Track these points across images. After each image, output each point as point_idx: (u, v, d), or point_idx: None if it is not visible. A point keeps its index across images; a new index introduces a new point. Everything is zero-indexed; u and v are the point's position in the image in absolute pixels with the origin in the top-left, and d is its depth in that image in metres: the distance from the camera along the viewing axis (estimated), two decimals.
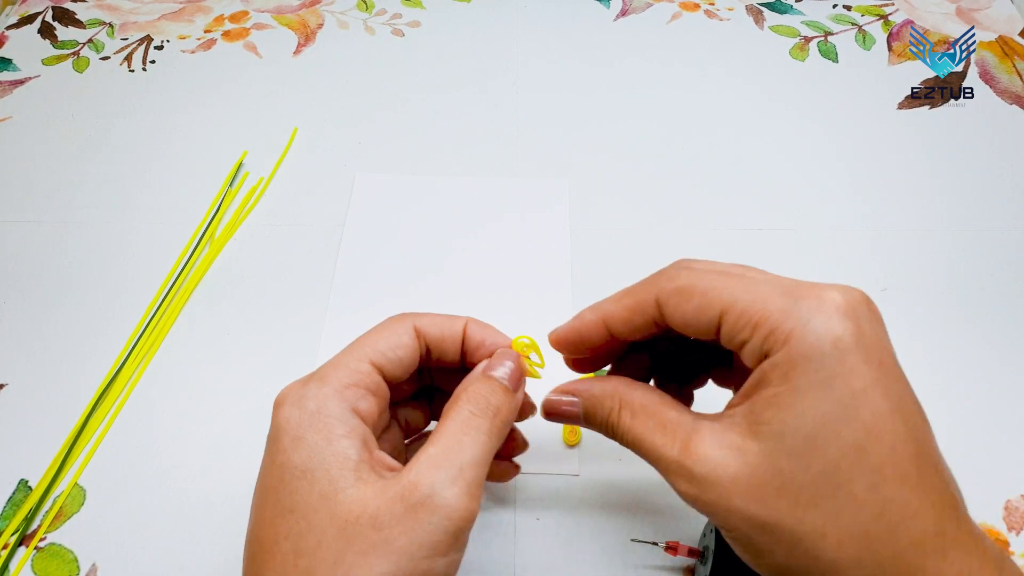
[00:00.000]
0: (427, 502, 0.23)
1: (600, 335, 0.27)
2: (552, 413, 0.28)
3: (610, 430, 0.27)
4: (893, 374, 0.22)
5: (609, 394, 0.26)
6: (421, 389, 0.32)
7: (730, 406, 0.24)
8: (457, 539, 0.24)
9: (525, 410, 0.30)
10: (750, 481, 0.22)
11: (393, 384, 0.28)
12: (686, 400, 0.31)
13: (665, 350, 0.30)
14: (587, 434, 0.37)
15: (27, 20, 0.60)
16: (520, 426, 0.31)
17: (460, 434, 0.25)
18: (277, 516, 0.24)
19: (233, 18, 0.61)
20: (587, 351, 0.28)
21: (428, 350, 0.29)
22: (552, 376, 0.29)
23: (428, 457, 0.24)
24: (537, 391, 0.29)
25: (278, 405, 0.26)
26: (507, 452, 0.32)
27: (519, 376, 0.28)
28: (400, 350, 0.28)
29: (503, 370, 0.27)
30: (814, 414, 0.21)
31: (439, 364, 0.29)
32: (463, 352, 0.29)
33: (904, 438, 0.21)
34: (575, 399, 0.27)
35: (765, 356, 0.23)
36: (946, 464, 0.23)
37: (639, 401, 0.26)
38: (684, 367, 0.30)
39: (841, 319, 0.22)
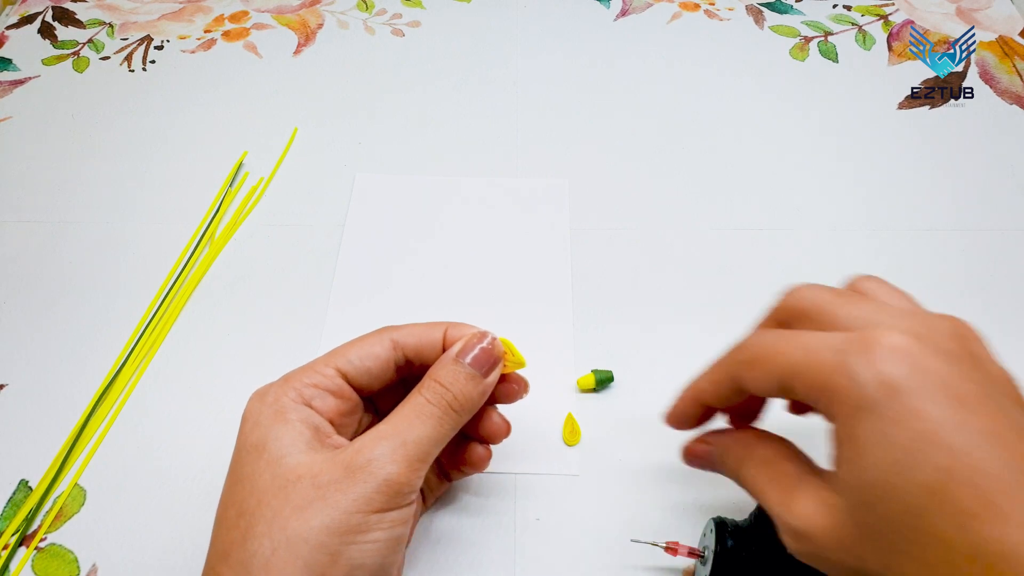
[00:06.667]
0: (366, 466, 0.25)
1: (700, 410, 0.29)
2: (690, 455, 0.30)
3: (735, 477, 0.28)
4: (978, 407, 0.21)
5: (741, 444, 0.28)
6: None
7: None
8: (391, 500, 0.26)
9: (512, 392, 0.31)
10: (837, 534, 0.23)
11: (364, 391, 0.30)
12: None
13: None
14: (587, 434, 0.37)
15: (27, 20, 0.60)
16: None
17: (411, 416, 0.27)
18: (228, 488, 0.27)
19: (233, 18, 0.61)
20: (699, 420, 0.30)
21: (410, 360, 0.30)
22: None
23: (376, 432, 0.27)
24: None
25: (248, 402, 0.28)
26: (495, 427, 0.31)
27: (490, 360, 0.29)
28: (369, 360, 0.29)
29: (471, 354, 0.28)
30: (878, 464, 0.21)
31: (423, 371, 0.30)
32: None
33: (987, 471, 0.20)
34: (710, 448, 0.29)
35: (832, 418, 0.23)
36: None
37: (762, 454, 0.27)
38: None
39: (892, 363, 0.21)
